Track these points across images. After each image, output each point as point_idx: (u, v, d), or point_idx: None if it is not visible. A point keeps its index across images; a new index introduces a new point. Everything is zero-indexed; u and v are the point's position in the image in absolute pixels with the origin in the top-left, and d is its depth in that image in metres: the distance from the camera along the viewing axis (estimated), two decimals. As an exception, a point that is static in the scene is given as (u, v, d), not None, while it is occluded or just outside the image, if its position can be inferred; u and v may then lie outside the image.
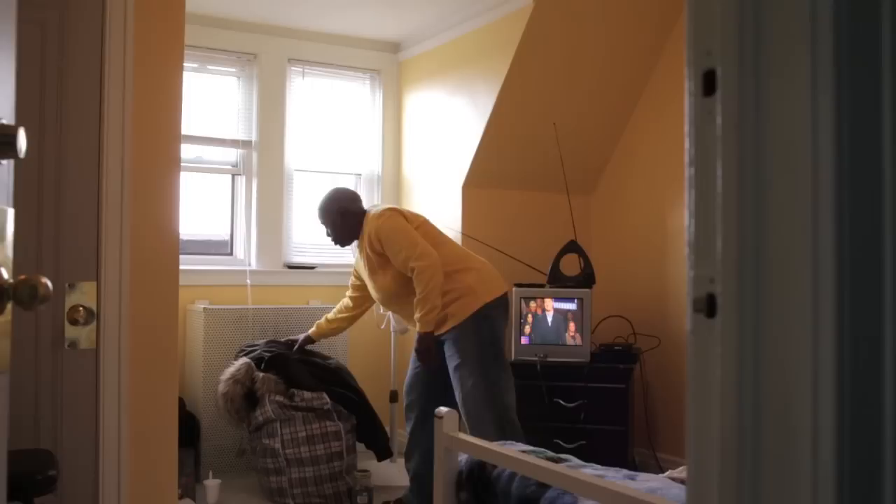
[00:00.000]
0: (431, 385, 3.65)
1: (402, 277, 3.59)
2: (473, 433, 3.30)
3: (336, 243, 3.90)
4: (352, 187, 5.35)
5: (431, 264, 3.49)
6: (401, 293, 3.64)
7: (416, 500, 3.71)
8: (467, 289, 3.57)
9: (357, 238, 3.83)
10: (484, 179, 4.76)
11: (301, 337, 4.27)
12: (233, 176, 5.02)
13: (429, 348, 3.60)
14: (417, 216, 3.80)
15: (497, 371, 3.51)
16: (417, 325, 3.59)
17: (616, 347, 4.39)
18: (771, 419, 0.73)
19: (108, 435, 2.63)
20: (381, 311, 4.69)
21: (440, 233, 3.81)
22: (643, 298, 4.70)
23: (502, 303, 3.65)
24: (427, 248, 3.53)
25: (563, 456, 2.55)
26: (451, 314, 3.55)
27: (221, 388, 4.13)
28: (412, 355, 3.80)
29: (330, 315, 4.21)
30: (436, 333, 3.60)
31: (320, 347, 4.62)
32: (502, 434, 3.28)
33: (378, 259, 3.67)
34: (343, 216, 3.80)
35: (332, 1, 4.59)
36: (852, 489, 0.69)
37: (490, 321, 3.56)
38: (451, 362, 3.55)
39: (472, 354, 3.51)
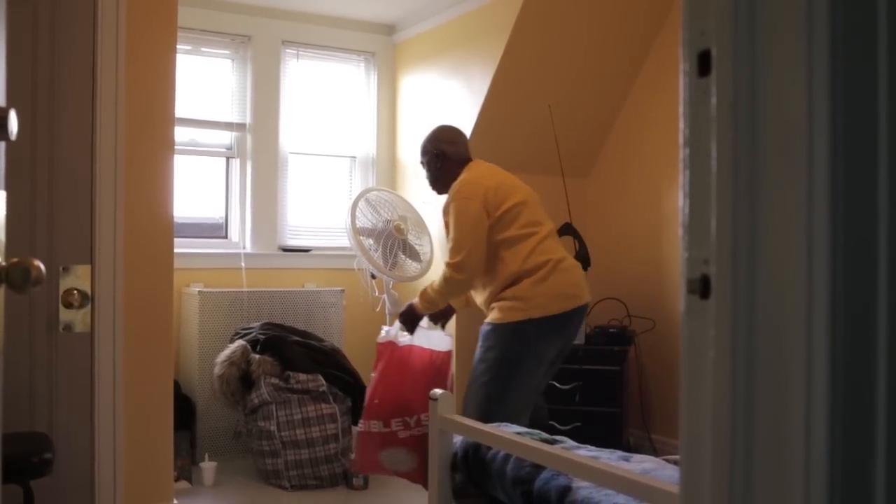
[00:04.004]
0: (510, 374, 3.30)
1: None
2: None
3: (432, 188, 3.59)
4: (345, 171, 5.35)
5: (461, 280, 3.26)
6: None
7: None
8: (520, 296, 3.21)
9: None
10: (479, 162, 4.75)
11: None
12: (227, 159, 5.00)
13: (411, 320, 3.45)
14: (512, 193, 3.33)
15: (500, 390, 3.20)
16: (422, 302, 3.39)
17: (611, 330, 4.40)
18: (764, 401, 0.73)
19: (104, 418, 2.64)
20: (377, 293, 4.70)
21: (535, 221, 3.33)
22: (638, 281, 4.70)
23: (554, 323, 3.22)
24: (470, 260, 3.22)
25: (557, 438, 2.56)
26: (495, 308, 3.26)
27: (217, 370, 4.14)
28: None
29: None
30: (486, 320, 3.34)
31: (315, 330, 4.63)
32: None
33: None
34: (441, 159, 3.46)
35: (326, -18, 4.57)
36: (844, 468, 0.69)
37: (523, 339, 3.20)
38: (477, 352, 3.32)
39: (487, 359, 3.24)
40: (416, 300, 3.46)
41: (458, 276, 3.26)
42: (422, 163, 3.56)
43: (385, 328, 3.52)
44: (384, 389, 3.42)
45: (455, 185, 3.34)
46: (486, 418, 2.96)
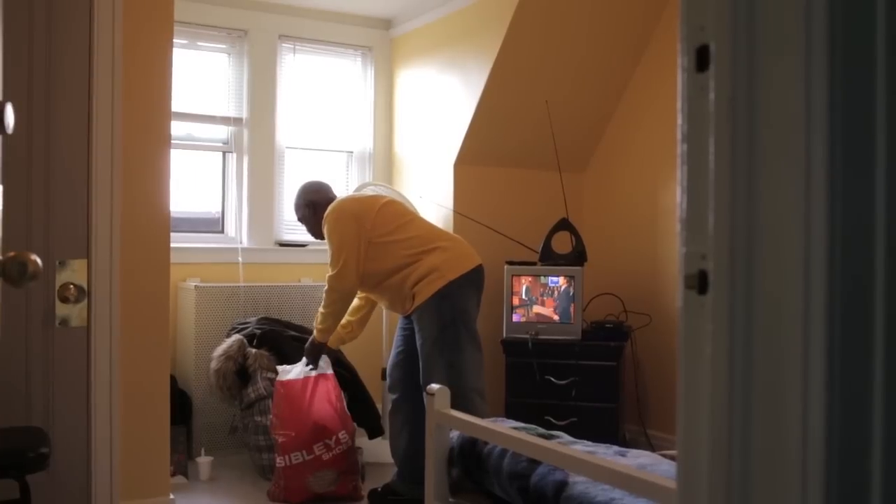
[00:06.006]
0: (415, 365, 3.60)
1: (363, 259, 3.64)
2: None
3: (315, 237, 3.95)
4: (342, 166, 5.35)
5: (343, 289, 3.59)
6: (365, 277, 3.63)
7: (405, 484, 3.66)
8: (432, 268, 3.52)
9: None
10: (476, 157, 4.75)
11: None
12: (224, 153, 4.99)
13: (313, 353, 3.85)
14: (377, 200, 3.73)
15: (455, 352, 3.48)
16: (317, 331, 3.76)
17: (607, 325, 4.41)
18: (761, 396, 0.73)
19: (100, 412, 2.63)
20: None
21: (406, 212, 3.77)
22: (634, 276, 4.71)
23: (469, 279, 3.57)
24: (348, 268, 3.53)
25: (554, 433, 2.57)
26: (417, 293, 3.53)
27: (214, 364, 4.13)
28: (395, 336, 3.82)
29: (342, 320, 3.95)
30: (405, 314, 3.67)
31: (311, 325, 4.62)
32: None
33: None
34: (312, 208, 3.86)
35: (323, -24, 4.55)
36: (841, 463, 0.69)
37: (452, 300, 3.51)
38: (417, 341, 3.56)
39: (431, 335, 3.50)
40: (313, 334, 3.83)
41: (338, 285, 3.57)
42: (299, 220, 3.97)
43: (283, 367, 3.91)
44: (298, 421, 3.75)
45: (324, 215, 3.68)
46: (457, 382, 3.27)
